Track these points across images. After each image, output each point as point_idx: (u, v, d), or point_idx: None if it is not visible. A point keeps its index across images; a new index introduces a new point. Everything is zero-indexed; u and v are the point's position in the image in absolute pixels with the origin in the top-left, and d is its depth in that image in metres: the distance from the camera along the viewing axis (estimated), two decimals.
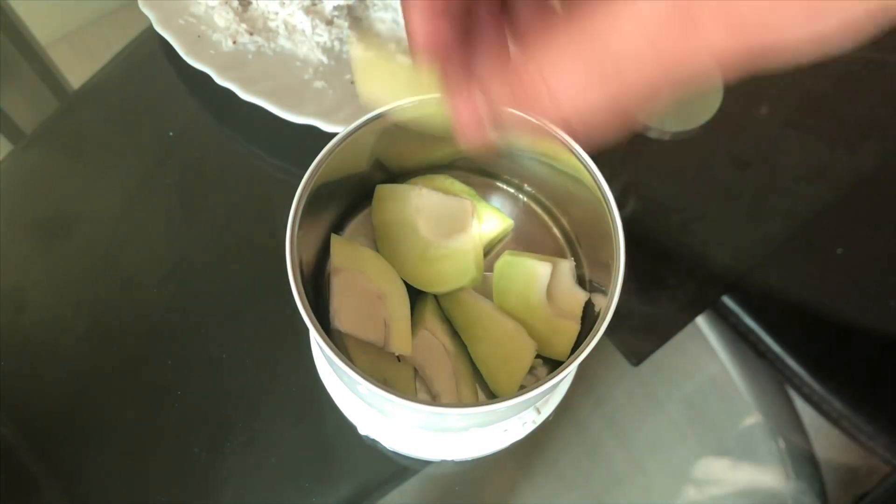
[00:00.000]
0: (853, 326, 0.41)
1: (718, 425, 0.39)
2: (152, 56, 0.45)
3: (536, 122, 0.29)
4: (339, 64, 0.42)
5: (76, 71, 0.46)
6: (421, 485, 0.36)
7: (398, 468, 0.36)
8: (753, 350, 0.40)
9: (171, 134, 0.43)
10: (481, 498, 0.37)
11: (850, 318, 0.42)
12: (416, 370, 0.31)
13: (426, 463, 0.36)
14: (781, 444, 0.38)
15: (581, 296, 0.31)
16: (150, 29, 0.42)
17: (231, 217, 0.42)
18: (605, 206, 0.28)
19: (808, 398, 0.39)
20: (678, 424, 0.38)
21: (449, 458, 0.33)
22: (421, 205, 0.32)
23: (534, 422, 0.32)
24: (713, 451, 0.38)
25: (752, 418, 0.39)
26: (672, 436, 0.38)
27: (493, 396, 0.30)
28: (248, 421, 0.36)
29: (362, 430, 0.33)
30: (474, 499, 0.37)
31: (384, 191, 0.33)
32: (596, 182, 0.28)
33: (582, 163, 0.28)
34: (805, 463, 0.38)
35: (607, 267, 0.28)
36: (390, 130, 0.30)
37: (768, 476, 0.38)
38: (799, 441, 0.38)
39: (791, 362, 0.39)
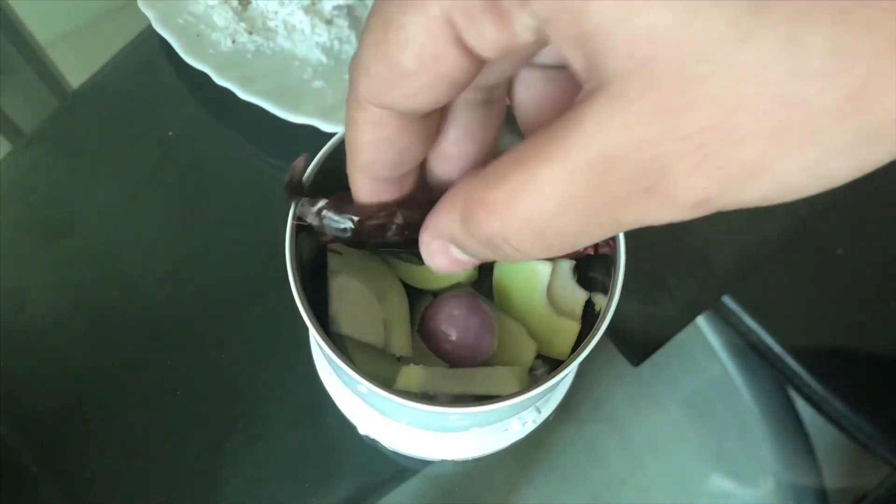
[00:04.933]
0: (853, 326, 0.41)
1: (718, 425, 0.39)
2: (152, 56, 0.45)
3: None
4: (338, 64, 0.42)
5: (76, 71, 0.46)
6: (421, 485, 0.36)
7: (398, 468, 0.36)
8: (753, 350, 0.40)
9: (170, 134, 0.43)
10: (481, 498, 0.37)
11: (850, 318, 0.42)
12: None
13: (426, 463, 0.36)
14: (781, 444, 0.38)
15: (581, 295, 0.31)
16: (150, 29, 0.42)
17: (231, 217, 0.42)
18: None
19: (808, 398, 0.39)
20: (678, 424, 0.38)
21: (449, 457, 0.33)
22: None
23: (534, 421, 0.32)
24: (713, 451, 0.38)
25: (752, 418, 0.39)
26: (672, 436, 0.38)
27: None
28: (248, 421, 0.36)
29: (362, 430, 0.33)
30: (474, 499, 0.37)
31: None
32: None
33: None
34: (805, 463, 0.38)
35: (607, 267, 0.28)
36: None
37: (768, 476, 0.38)
38: (799, 441, 0.38)
39: (791, 362, 0.39)
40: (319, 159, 0.28)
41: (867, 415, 0.39)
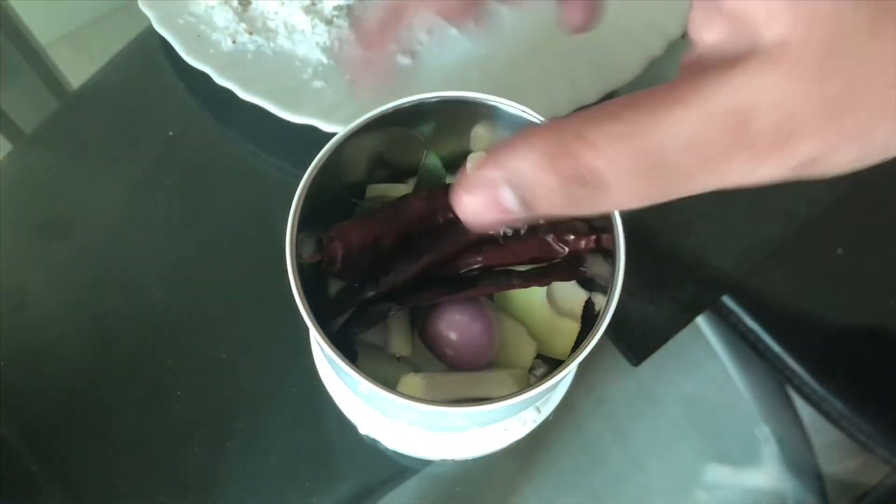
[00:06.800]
0: (853, 326, 0.41)
1: (718, 425, 0.39)
2: (152, 56, 0.45)
3: (534, 118, 0.29)
4: (338, 64, 0.42)
5: (76, 71, 0.46)
6: (421, 485, 0.36)
7: (398, 468, 0.36)
8: (753, 350, 0.40)
9: (170, 134, 0.43)
10: (481, 498, 0.37)
11: (850, 318, 0.42)
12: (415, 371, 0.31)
13: (426, 463, 0.36)
14: (781, 444, 0.38)
15: (581, 295, 0.31)
16: (150, 29, 0.42)
17: (231, 217, 0.42)
18: None
19: (808, 398, 0.39)
20: (678, 424, 0.38)
21: (449, 457, 0.33)
22: None
23: (534, 421, 0.32)
24: (713, 451, 0.38)
25: (752, 418, 0.39)
26: (672, 436, 0.38)
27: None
28: (248, 421, 0.36)
29: (362, 430, 0.33)
30: (474, 499, 0.37)
31: (376, 190, 0.33)
32: None
33: None
34: (805, 463, 0.38)
35: (608, 266, 0.28)
36: (390, 129, 0.30)
37: (768, 476, 0.38)
38: (799, 441, 0.38)
39: (791, 362, 0.39)
40: (320, 159, 0.28)
41: (867, 415, 0.39)
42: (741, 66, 0.17)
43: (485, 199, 0.19)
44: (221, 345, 0.38)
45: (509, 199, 0.18)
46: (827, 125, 0.17)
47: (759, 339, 0.40)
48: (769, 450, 0.38)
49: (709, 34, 0.18)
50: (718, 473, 0.38)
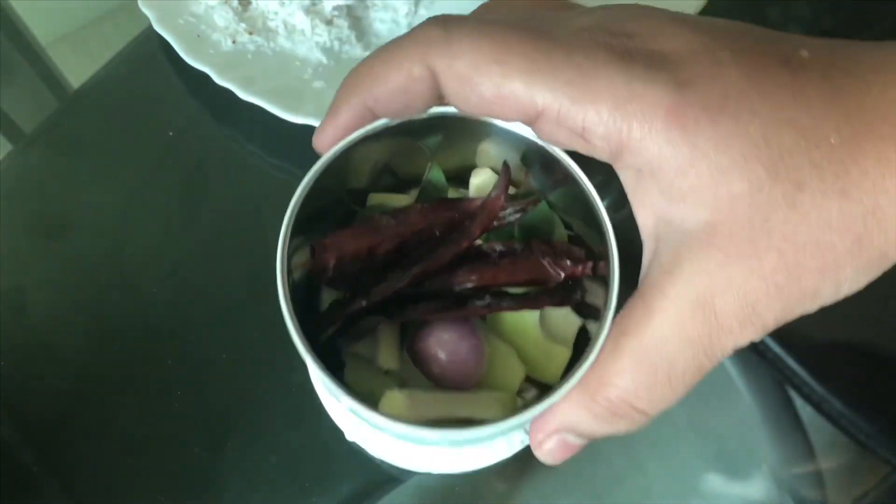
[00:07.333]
0: (853, 326, 0.41)
1: (718, 425, 0.39)
2: (152, 56, 0.45)
3: (539, 140, 0.28)
4: (338, 64, 0.42)
5: (76, 71, 0.46)
6: (420, 485, 0.36)
7: (397, 471, 0.36)
8: (753, 350, 0.40)
9: (170, 134, 0.43)
10: (481, 498, 0.37)
11: (850, 318, 0.42)
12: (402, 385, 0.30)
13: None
14: (781, 443, 0.38)
15: (575, 322, 0.30)
16: (150, 29, 0.42)
17: (231, 217, 0.42)
18: (602, 231, 0.26)
19: (807, 398, 0.39)
20: (678, 424, 0.38)
21: (434, 471, 0.32)
22: None
23: (521, 442, 0.31)
24: (713, 452, 0.38)
25: (752, 418, 0.39)
26: (672, 436, 0.38)
27: None
28: (247, 421, 0.36)
29: (349, 437, 0.33)
30: (474, 499, 0.37)
31: (378, 199, 0.32)
32: (593, 203, 0.27)
33: (577, 180, 0.27)
34: (805, 463, 0.38)
35: (603, 294, 0.27)
36: (396, 139, 0.30)
37: (768, 476, 0.38)
38: (799, 441, 0.38)
39: (791, 362, 0.39)
40: (320, 167, 0.28)
41: (866, 414, 0.39)
42: (683, 260, 0.20)
43: (561, 450, 0.24)
44: (221, 345, 0.38)
45: (574, 440, 0.23)
46: (778, 296, 0.19)
47: (758, 339, 0.40)
48: (769, 449, 0.38)
49: (645, 218, 0.21)
50: (718, 473, 0.38)
